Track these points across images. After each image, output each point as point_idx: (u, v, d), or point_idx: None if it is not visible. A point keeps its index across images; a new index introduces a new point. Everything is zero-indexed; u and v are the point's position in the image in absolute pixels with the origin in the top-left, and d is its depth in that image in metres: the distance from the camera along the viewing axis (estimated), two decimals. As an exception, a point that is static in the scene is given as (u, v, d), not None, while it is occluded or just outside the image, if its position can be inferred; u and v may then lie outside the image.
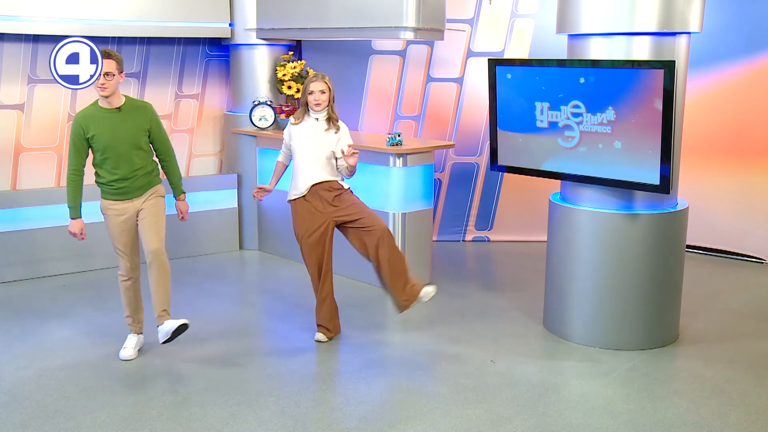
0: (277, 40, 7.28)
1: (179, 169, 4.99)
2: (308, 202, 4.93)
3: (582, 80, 4.72)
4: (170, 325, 4.54)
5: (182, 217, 5.05)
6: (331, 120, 4.92)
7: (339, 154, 4.87)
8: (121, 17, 6.66)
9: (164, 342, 4.59)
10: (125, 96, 4.66)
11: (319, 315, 5.11)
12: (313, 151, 4.89)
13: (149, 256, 4.63)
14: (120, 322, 5.06)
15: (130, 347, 4.84)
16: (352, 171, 4.92)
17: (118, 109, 4.59)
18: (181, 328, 4.56)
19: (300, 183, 4.93)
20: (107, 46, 6.82)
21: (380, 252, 4.79)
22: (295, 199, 4.97)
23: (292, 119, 5.02)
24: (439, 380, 4.52)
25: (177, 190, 4.96)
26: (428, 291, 4.88)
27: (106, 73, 4.47)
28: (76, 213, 4.67)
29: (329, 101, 4.90)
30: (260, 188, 5.13)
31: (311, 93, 4.87)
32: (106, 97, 4.55)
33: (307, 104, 4.92)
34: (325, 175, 4.91)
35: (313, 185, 4.90)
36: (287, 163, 5.19)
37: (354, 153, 4.82)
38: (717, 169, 7.18)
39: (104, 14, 6.58)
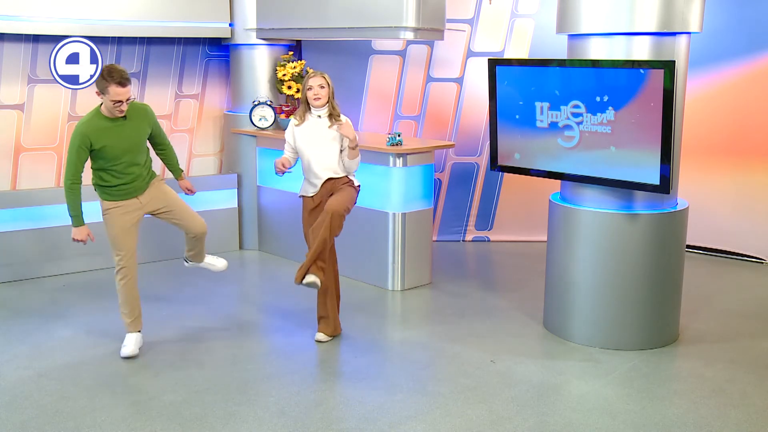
0: (277, 40, 7.27)
1: (175, 153, 5.20)
2: (312, 200, 4.97)
3: (582, 80, 4.72)
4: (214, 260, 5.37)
5: (191, 192, 5.24)
6: (332, 116, 4.92)
7: (343, 147, 4.89)
8: (121, 17, 6.65)
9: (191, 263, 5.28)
10: None
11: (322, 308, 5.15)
12: (319, 150, 4.89)
13: (202, 236, 5.09)
14: (120, 322, 5.05)
15: (130, 345, 4.84)
16: (352, 163, 4.90)
17: (124, 117, 4.64)
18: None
19: (308, 184, 4.98)
20: (107, 46, 6.83)
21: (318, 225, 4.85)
22: (303, 197, 5.03)
23: (294, 120, 5.01)
24: (439, 380, 4.52)
25: (177, 172, 5.21)
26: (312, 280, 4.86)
27: (128, 99, 4.54)
28: (79, 221, 4.72)
29: (329, 97, 4.91)
30: (283, 166, 4.97)
31: (310, 88, 4.88)
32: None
33: (307, 102, 4.93)
34: (331, 174, 4.91)
35: (321, 185, 4.92)
36: (294, 163, 5.15)
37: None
38: (717, 169, 7.18)
39: (104, 14, 6.56)
